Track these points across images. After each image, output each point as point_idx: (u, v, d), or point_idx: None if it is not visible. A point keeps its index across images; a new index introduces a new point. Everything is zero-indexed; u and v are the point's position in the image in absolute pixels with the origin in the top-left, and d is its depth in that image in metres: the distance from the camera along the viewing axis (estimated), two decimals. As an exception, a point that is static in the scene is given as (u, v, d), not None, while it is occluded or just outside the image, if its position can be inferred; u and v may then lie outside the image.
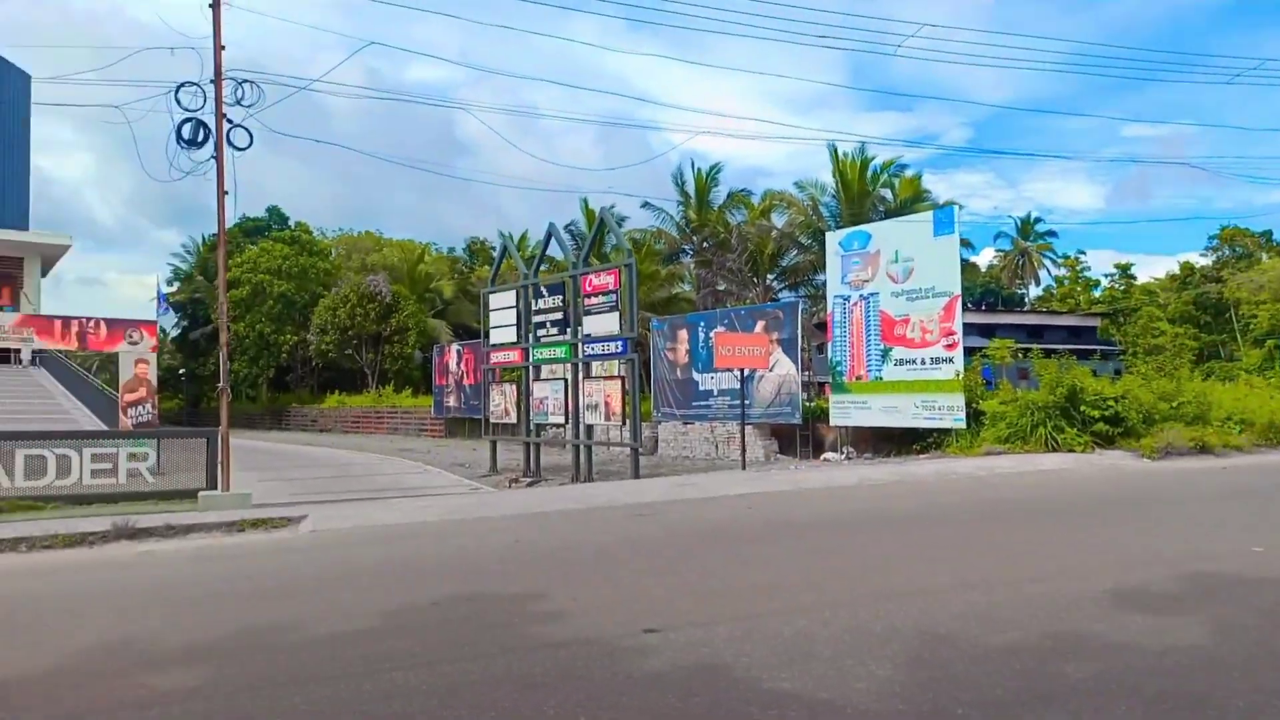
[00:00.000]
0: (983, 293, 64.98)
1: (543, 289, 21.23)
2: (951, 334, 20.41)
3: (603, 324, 19.23)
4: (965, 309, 22.62)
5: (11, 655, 5.88)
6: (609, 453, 25.28)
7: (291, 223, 62.15)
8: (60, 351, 30.32)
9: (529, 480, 19.81)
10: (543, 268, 22.89)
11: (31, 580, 8.79)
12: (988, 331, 43.35)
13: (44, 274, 42.79)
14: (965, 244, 40.45)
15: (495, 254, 53.96)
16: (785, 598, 6.77)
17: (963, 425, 20.25)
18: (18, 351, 34.56)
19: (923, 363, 20.90)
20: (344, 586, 7.90)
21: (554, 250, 23.12)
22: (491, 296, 23.09)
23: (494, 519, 12.17)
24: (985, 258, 76.11)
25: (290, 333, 53.46)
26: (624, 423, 19.13)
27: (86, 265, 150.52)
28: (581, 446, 19.82)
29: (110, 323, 19.83)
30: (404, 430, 43.79)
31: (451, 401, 40.01)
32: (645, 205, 42.24)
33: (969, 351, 23.15)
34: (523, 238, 53.23)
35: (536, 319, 21.30)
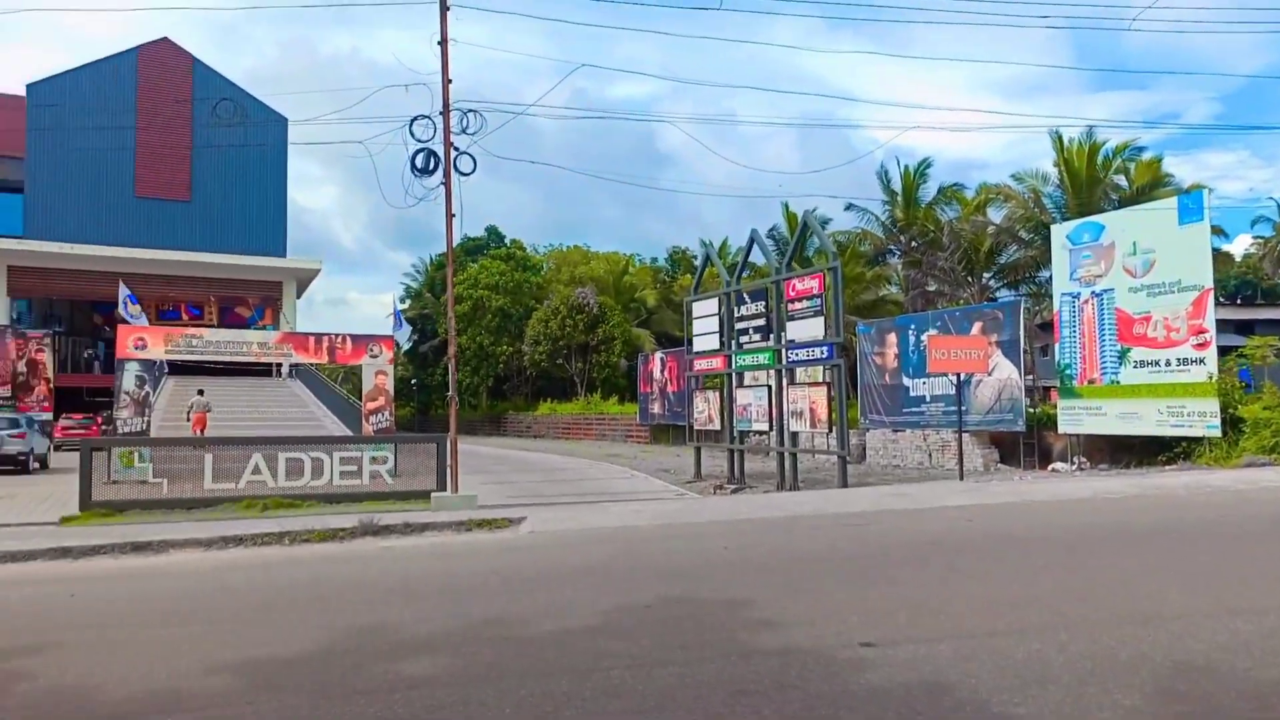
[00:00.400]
0: (1238, 285, 58.10)
1: (745, 295, 21.23)
2: (1203, 331, 18.41)
3: (806, 329, 18.94)
4: (1217, 304, 20.31)
5: (276, 638, 6.61)
6: (814, 460, 24.80)
7: (507, 240, 66.06)
8: (312, 365, 33.85)
9: (733, 487, 19.85)
10: (745, 274, 22.88)
11: (293, 569, 9.86)
12: (1245, 328, 38.69)
13: (299, 295, 48.04)
14: (1217, 231, 36.23)
15: (697, 262, 54.56)
16: (1012, 616, 6.36)
17: (1217, 433, 18.18)
18: (279, 365, 38.93)
19: (1168, 364, 18.98)
20: (564, 585, 8.25)
21: (756, 256, 23.06)
22: (694, 304, 23.37)
23: (701, 524, 12.29)
24: (1240, 246, 67.90)
25: (507, 344, 56.73)
26: (830, 430, 18.73)
27: (332, 286, 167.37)
28: (786, 454, 19.60)
29: (355, 338, 21.88)
30: (611, 436, 45.22)
31: (656, 408, 40.86)
32: (849, 207, 41.20)
33: (1223, 351, 20.80)
34: (723, 245, 53.53)
35: (739, 325, 21.32)
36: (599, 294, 53.83)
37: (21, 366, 37.50)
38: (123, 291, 22.39)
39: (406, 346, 64.45)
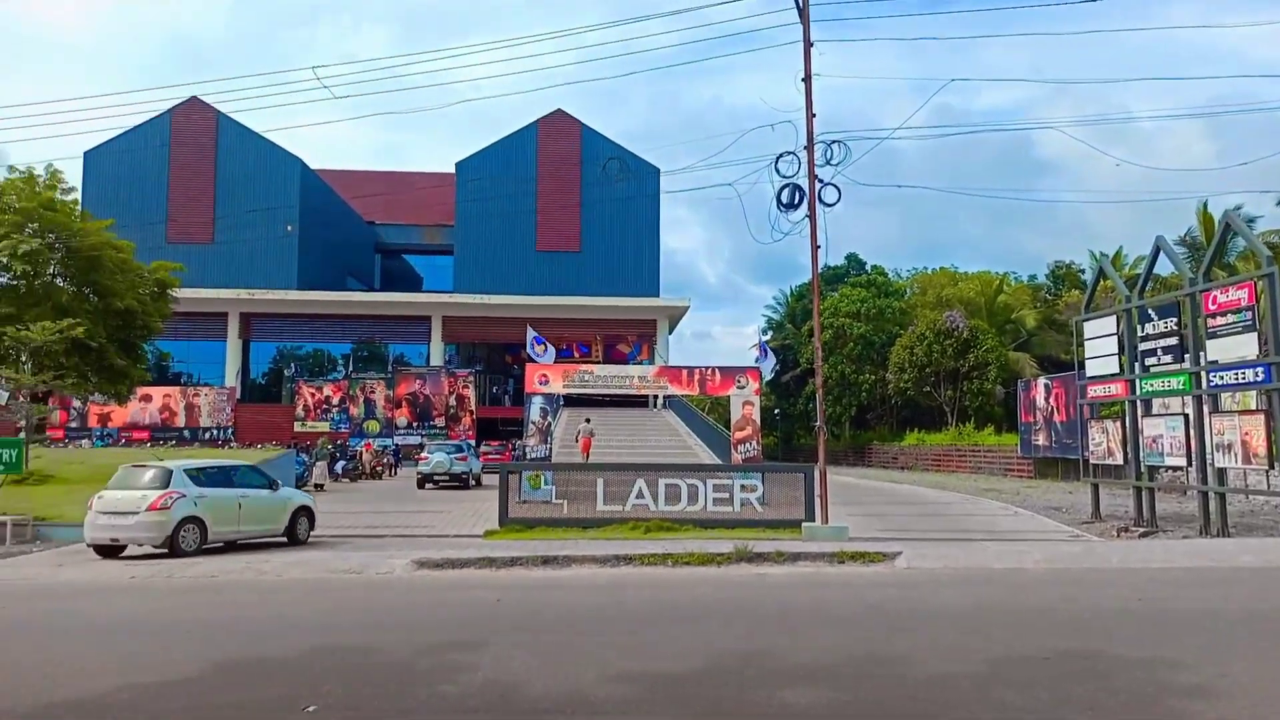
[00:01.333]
0: None
1: (1150, 311, 18.69)
2: None
3: (1234, 348, 16.15)
4: None
5: (666, 653, 7.02)
6: (1249, 502, 20.97)
7: (868, 267, 65.03)
8: (683, 396, 35.95)
9: (1141, 530, 17.41)
10: (1148, 287, 20.16)
11: (676, 590, 10.45)
12: None
13: (670, 331, 51.44)
14: None
15: (1085, 277, 49.14)
16: None
17: None
18: (654, 396, 41.87)
19: None
20: (945, 626, 7.81)
21: (1161, 266, 20.23)
22: (1086, 324, 21.06)
23: (1104, 571, 10.94)
24: None
25: (870, 372, 55.61)
26: (1271, 466, 15.72)
27: (698, 321, 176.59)
28: (1211, 494, 16.79)
29: (723, 370, 22.85)
30: (987, 469, 42.14)
31: (1040, 440, 37.34)
32: (1282, 201, 34.64)
33: None
34: (1117, 255, 47.72)
35: (1143, 346, 18.79)
36: (969, 317, 50.75)
37: (452, 401, 44.41)
38: (530, 334, 25.61)
39: (768, 377, 65.93)
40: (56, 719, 5.64)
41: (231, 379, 45.63)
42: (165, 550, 13.75)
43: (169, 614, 9.80)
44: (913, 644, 7.06)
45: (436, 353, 47.97)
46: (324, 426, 42.81)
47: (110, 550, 14.22)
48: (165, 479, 14.01)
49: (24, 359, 24.22)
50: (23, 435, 23.66)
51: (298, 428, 42.81)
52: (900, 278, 66.77)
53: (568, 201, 48.72)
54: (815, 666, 6.42)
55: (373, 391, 44.05)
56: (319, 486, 27.21)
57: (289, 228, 45.80)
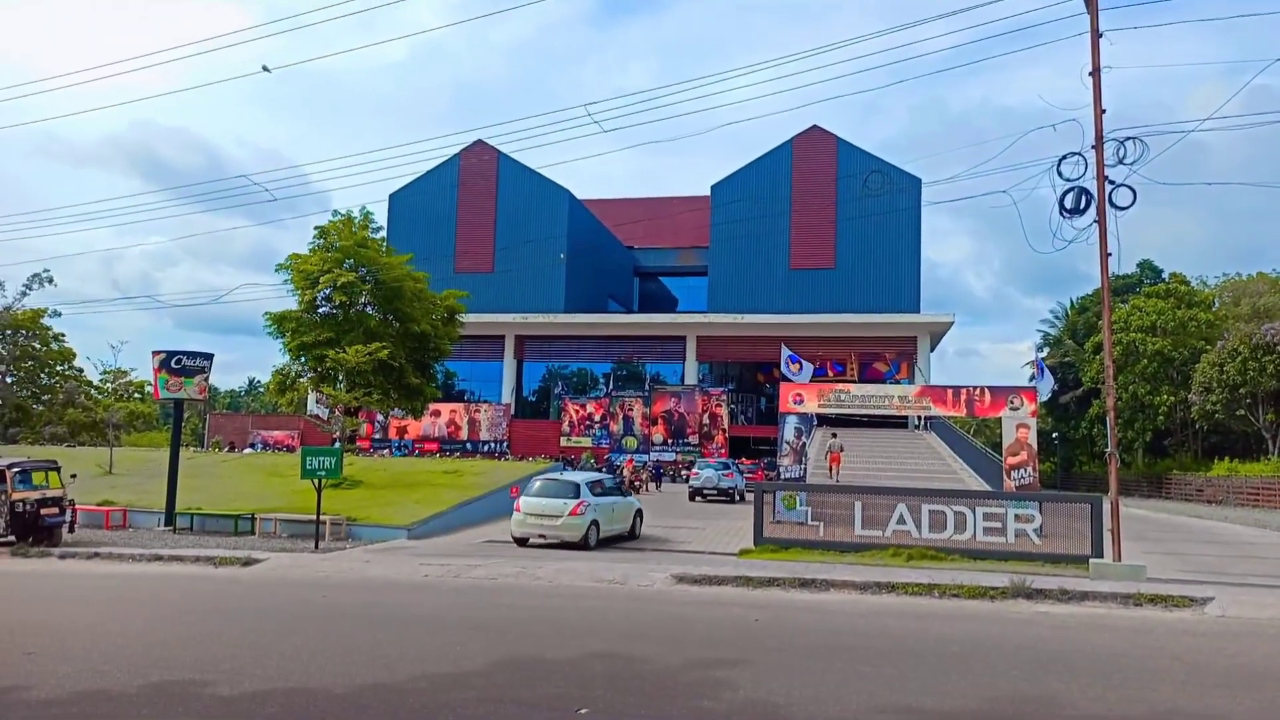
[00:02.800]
0: None
1: None
2: None
3: None
4: None
5: (936, 691, 6.61)
6: None
7: (1165, 275, 58.16)
8: (948, 418, 34.00)
9: None
10: None
11: (943, 623, 9.85)
12: None
13: (932, 348, 48.94)
14: None
15: None
16: None
17: None
18: (914, 417, 39.99)
19: None
20: (1275, 690, 6.73)
21: None
22: None
23: None
24: None
25: (1167, 393, 49.55)
26: None
27: (964, 337, 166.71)
28: None
29: (994, 390, 21.36)
30: (1323, 507, 35.90)
31: (1395, 474, 31.26)
32: None
33: None
34: None
35: None
36: (1294, 329, 43.73)
37: (705, 419, 45.14)
38: (785, 353, 25.44)
39: (1044, 397, 60.75)
40: (364, 705, 6.33)
41: (507, 396, 49.50)
42: (578, 544, 17.29)
43: (456, 610, 10.73)
44: (1233, 706, 6.15)
45: (691, 371, 49.05)
46: (586, 442, 45.18)
47: (522, 542, 17.91)
48: (576, 491, 17.87)
49: (340, 378, 27.78)
50: (338, 445, 27.12)
51: (563, 442, 45.51)
52: (1206, 286, 59.11)
53: (822, 218, 48.04)
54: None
55: (631, 409, 45.85)
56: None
57: (561, 256, 49.04)
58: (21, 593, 12.61)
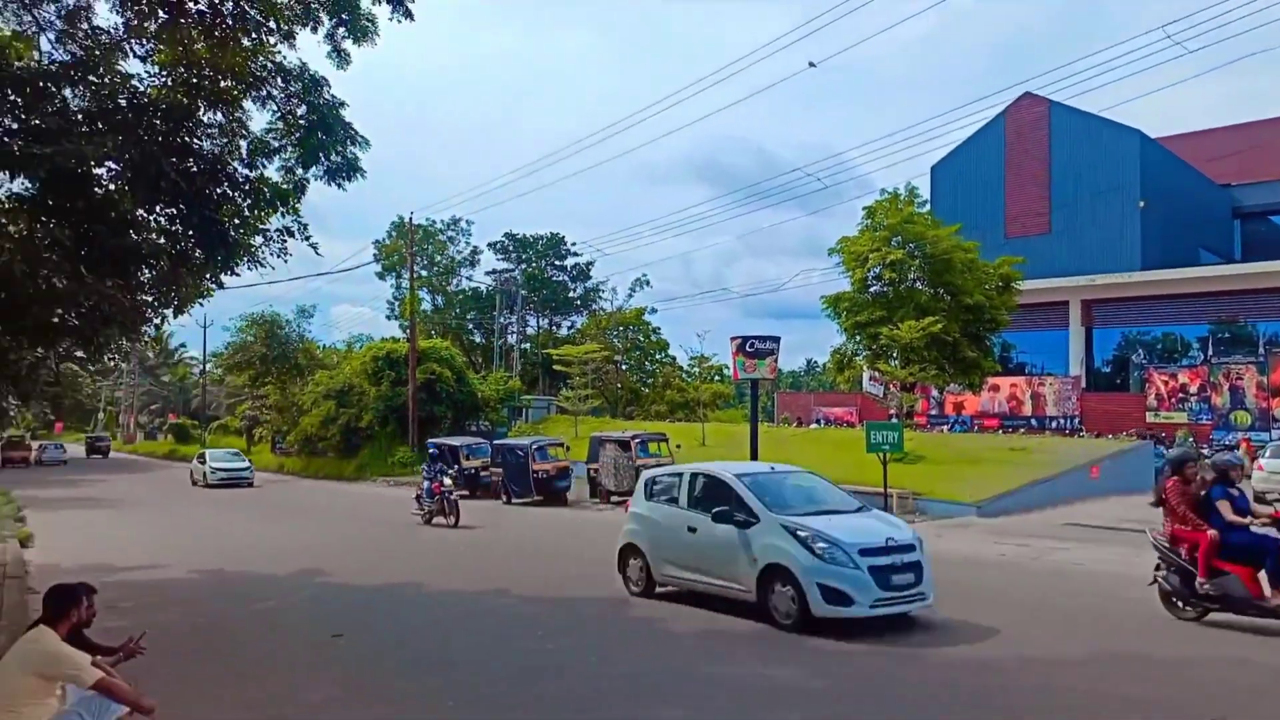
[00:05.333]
0: None
1: None
2: None
3: None
4: None
5: None
6: None
7: None
8: None
9: None
10: None
11: None
12: None
13: None
14: None
15: None
16: None
17: None
18: None
19: None
20: None
21: None
22: None
23: None
24: None
25: None
26: None
27: None
28: None
29: None
30: None
31: None
32: None
33: None
34: None
35: None
36: None
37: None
38: None
39: None
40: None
41: (1074, 367, 45.04)
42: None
43: (1036, 593, 10.04)
44: None
45: None
46: (1180, 417, 38.91)
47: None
48: None
49: (893, 355, 28.08)
50: (896, 421, 27.46)
51: (1150, 418, 39.84)
52: None
53: None
54: None
55: (1240, 378, 38.25)
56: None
57: (1140, 204, 43.04)
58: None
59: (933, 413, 46.63)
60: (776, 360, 25.61)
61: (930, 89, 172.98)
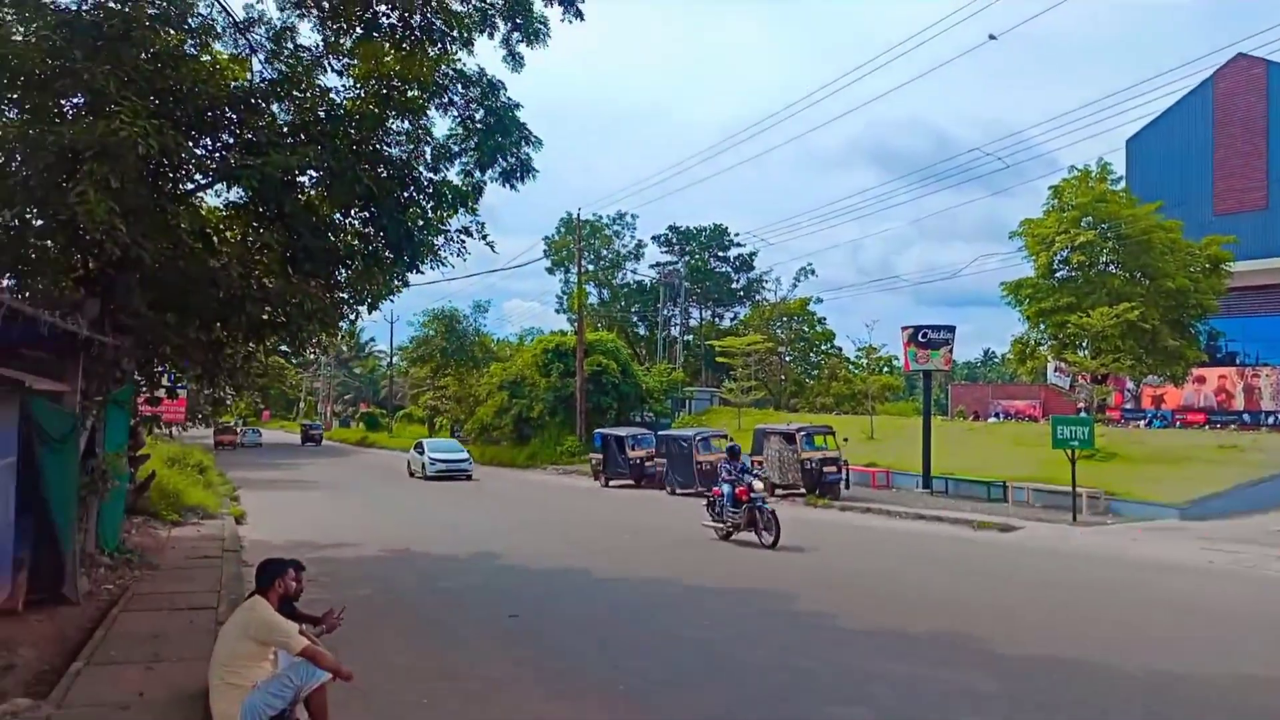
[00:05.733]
0: None
1: None
2: None
3: None
4: None
5: None
6: None
7: None
8: None
9: None
10: None
11: None
12: None
13: None
14: None
15: None
16: None
17: None
18: None
19: None
20: None
21: None
22: None
23: None
24: None
25: None
26: None
27: None
28: None
29: None
30: None
31: None
32: None
33: None
34: None
35: None
36: None
37: None
38: None
39: None
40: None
41: (1296, 357, 40.44)
42: None
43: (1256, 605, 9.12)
44: None
45: None
46: None
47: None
48: None
49: (1083, 344, 26.19)
50: (1086, 415, 25.60)
51: (1392, 415, 35.27)
52: None
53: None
54: None
55: None
56: None
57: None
58: (828, 540, 14.84)
59: (1128, 407, 43.19)
60: (951, 350, 24.51)
61: (1123, 57, 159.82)
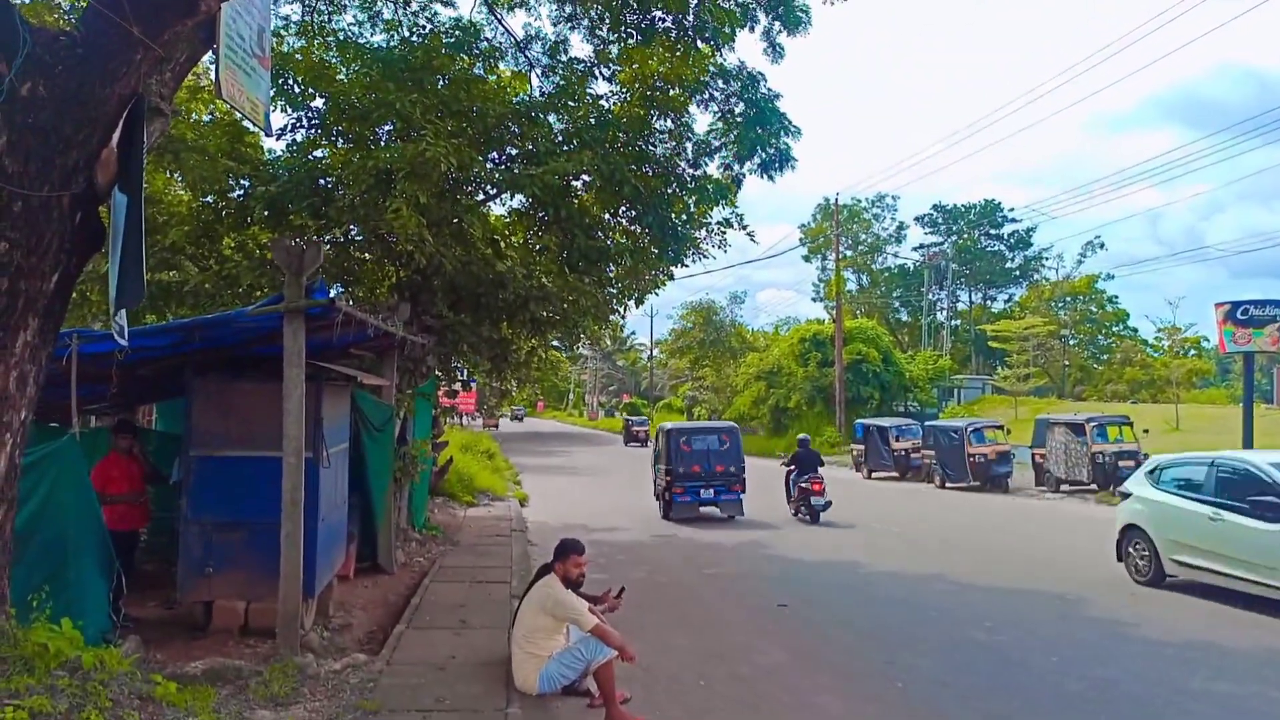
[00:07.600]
0: None
1: None
2: None
3: None
4: None
5: None
6: None
7: None
8: None
9: None
10: None
11: None
12: None
13: None
14: None
15: None
16: None
17: None
18: None
19: None
20: None
21: None
22: None
23: None
24: None
25: None
26: None
27: None
28: None
29: None
30: None
31: None
32: None
33: None
34: None
35: None
36: None
37: None
38: None
39: None
40: None
41: None
42: None
43: None
44: None
45: None
46: None
47: None
48: None
49: None
50: None
51: None
52: None
53: None
54: None
55: None
56: None
57: None
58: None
59: None
60: (1279, 329, 21.24)
61: None
